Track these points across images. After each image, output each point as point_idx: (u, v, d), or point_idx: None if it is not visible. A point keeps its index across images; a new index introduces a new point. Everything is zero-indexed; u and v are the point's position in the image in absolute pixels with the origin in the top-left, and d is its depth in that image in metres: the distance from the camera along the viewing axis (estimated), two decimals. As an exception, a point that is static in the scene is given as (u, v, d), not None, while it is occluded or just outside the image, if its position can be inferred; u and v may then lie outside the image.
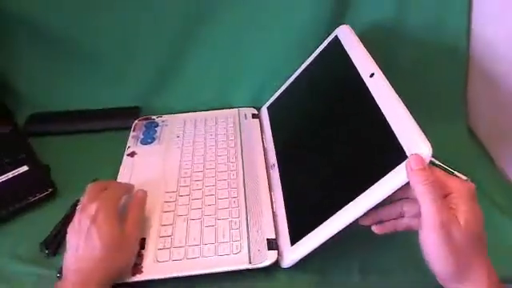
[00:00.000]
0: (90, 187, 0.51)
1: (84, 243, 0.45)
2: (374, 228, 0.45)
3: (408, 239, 0.50)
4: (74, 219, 0.48)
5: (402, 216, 0.44)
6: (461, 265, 0.37)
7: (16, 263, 0.52)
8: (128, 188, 0.55)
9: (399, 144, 0.40)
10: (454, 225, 0.36)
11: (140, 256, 0.50)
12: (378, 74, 0.48)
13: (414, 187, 0.37)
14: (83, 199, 0.49)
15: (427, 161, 0.37)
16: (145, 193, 0.55)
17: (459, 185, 0.39)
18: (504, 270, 0.40)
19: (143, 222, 0.53)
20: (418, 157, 0.37)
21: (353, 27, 0.60)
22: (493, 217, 0.55)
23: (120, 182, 0.57)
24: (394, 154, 0.40)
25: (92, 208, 0.47)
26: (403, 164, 0.38)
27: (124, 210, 0.51)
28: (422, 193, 0.37)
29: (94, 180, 0.61)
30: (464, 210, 0.37)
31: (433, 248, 0.37)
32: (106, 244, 0.45)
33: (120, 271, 0.47)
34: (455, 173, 0.41)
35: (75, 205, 0.58)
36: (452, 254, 0.36)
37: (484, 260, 0.38)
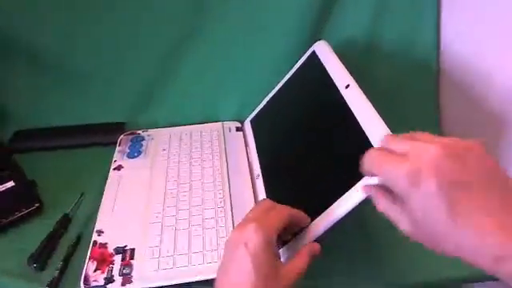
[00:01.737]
0: (258, 204, 0.45)
1: (235, 265, 0.39)
2: None
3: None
4: (230, 235, 0.42)
5: None
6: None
7: (4, 278, 0.52)
8: (298, 217, 0.45)
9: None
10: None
11: (130, 266, 0.51)
12: (353, 85, 0.51)
13: None
14: (248, 214, 0.43)
15: None
16: (319, 248, 0.45)
17: (401, 176, 0.34)
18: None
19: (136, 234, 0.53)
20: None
21: (329, 43, 0.63)
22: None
23: (291, 209, 0.45)
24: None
25: (251, 230, 0.39)
26: None
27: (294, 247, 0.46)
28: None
29: (82, 195, 0.63)
30: (408, 209, 0.35)
31: None
32: (257, 269, 0.38)
33: None
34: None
35: (61, 220, 0.59)
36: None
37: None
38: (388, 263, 0.54)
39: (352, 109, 0.49)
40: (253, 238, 0.38)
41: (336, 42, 0.67)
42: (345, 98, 0.51)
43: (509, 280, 0.30)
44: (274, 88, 0.70)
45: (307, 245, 0.44)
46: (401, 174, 0.33)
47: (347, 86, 0.51)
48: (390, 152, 0.36)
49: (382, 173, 0.36)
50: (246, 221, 0.41)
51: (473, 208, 0.32)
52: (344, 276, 0.52)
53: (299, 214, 0.45)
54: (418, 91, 0.74)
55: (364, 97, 0.49)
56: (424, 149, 0.33)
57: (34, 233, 0.57)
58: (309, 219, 0.46)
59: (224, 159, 0.68)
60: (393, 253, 0.54)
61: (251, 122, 0.74)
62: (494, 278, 0.31)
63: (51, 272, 0.52)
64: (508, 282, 0.30)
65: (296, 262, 0.42)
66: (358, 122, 0.47)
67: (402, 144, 0.36)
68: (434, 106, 0.75)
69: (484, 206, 0.32)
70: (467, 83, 0.68)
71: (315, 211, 0.46)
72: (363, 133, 0.45)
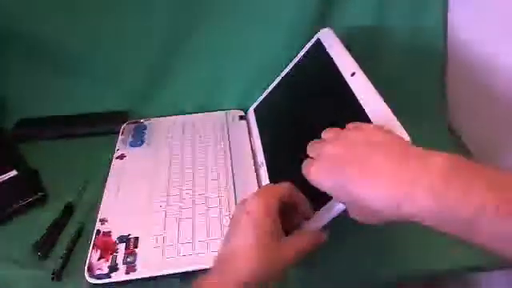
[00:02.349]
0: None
1: (237, 232, 0.41)
2: None
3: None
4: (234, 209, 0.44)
5: None
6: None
7: (10, 266, 0.52)
8: (298, 196, 0.46)
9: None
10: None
11: (134, 254, 0.51)
12: (359, 72, 0.50)
13: None
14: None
15: None
16: (324, 237, 0.45)
17: None
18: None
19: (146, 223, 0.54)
20: None
21: (334, 30, 0.62)
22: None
23: (292, 185, 0.46)
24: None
25: (252, 200, 0.42)
26: None
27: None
28: None
29: (85, 183, 0.63)
30: None
31: None
32: (258, 234, 0.40)
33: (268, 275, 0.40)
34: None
35: (65, 209, 0.59)
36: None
37: None
38: (387, 254, 0.54)
39: (358, 97, 0.48)
40: (254, 207, 0.41)
41: (341, 29, 0.65)
42: (350, 85, 0.50)
43: (409, 218, 0.33)
44: (277, 76, 0.70)
45: (313, 231, 0.45)
46: (311, 176, 0.39)
47: (353, 74, 0.51)
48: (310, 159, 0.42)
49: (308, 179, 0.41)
50: (246, 198, 0.43)
51: (369, 173, 0.35)
52: (343, 266, 0.52)
53: (299, 194, 0.45)
54: (425, 78, 0.73)
55: (370, 84, 0.48)
56: (320, 150, 0.40)
57: (38, 222, 0.57)
58: (310, 205, 0.46)
59: (227, 148, 0.67)
60: (392, 243, 0.54)
61: (255, 110, 0.74)
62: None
63: (55, 260, 0.52)
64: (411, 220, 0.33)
65: (298, 239, 0.43)
66: (363, 110, 0.46)
67: (313, 150, 0.42)
68: (441, 94, 0.75)
69: (377, 166, 0.35)
70: (474, 70, 0.67)
71: (319, 201, 0.45)
72: (369, 121, 0.44)
